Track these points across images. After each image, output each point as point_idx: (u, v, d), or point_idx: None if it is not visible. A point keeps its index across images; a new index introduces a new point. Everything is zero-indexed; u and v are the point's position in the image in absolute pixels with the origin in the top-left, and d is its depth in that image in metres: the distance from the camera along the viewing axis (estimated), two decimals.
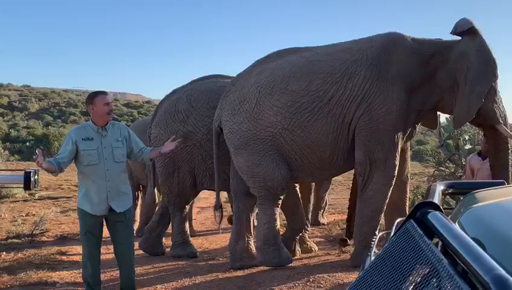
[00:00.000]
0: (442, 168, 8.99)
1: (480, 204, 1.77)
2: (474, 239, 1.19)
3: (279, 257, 5.58)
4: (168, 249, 6.76)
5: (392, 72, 5.33)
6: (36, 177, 2.13)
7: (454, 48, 5.38)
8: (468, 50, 5.27)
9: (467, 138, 8.65)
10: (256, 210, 6.05)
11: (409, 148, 6.18)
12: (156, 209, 7.18)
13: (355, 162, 5.45)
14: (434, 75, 5.43)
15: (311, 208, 7.23)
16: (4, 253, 6.67)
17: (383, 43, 5.47)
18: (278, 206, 5.75)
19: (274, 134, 5.53)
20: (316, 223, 8.81)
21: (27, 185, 2.08)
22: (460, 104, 5.32)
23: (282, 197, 5.78)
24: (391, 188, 5.43)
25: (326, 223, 8.89)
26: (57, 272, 5.75)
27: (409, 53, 5.40)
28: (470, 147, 8.52)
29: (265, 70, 5.74)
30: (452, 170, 8.65)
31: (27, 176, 2.09)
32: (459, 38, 5.42)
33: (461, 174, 8.36)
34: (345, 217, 9.33)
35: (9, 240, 7.69)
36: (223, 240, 7.61)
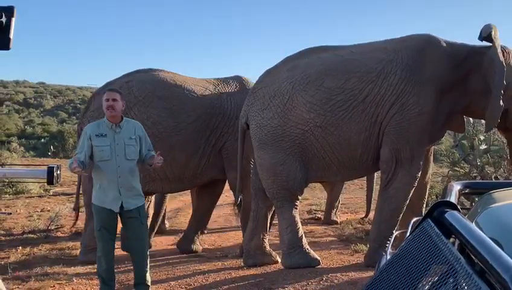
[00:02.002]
0: (457, 169, 8.92)
1: (497, 204, 1.77)
2: (491, 239, 1.19)
3: (305, 259, 5.53)
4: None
5: (426, 73, 5.35)
6: (59, 172, 2.15)
7: (487, 53, 5.40)
8: (494, 55, 5.28)
9: (482, 138, 8.57)
10: (273, 209, 6.02)
11: (432, 150, 6.15)
12: (86, 214, 6.56)
13: (380, 160, 5.44)
14: (466, 78, 5.44)
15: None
16: (20, 248, 6.75)
17: (417, 44, 5.50)
18: (296, 208, 5.71)
19: (305, 131, 5.48)
20: (329, 222, 8.80)
21: (50, 180, 2.11)
22: (489, 108, 5.32)
23: (300, 198, 5.78)
24: (413, 189, 5.43)
25: (339, 222, 8.87)
26: (72, 267, 5.82)
27: (443, 55, 5.42)
28: (485, 147, 8.44)
29: (298, 66, 5.69)
30: (467, 170, 8.58)
31: (50, 171, 2.11)
32: (490, 44, 5.43)
33: (476, 174, 8.30)
34: (358, 216, 9.36)
35: (25, 235, 7.79)
36: (235, 237, 7.62)
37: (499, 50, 5.22)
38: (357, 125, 5.38)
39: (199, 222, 6.92)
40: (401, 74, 5.34)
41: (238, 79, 6.92)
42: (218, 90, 6.63)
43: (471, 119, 7.82)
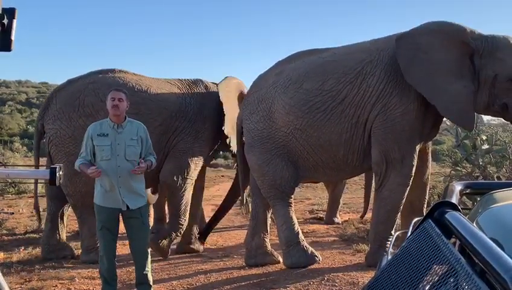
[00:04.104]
0: (459, 168, 8.89)
1: (498, 204, 1.77)
2: (492, 239, 1.19)
3: (305, 257, 5.56)
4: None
5: None
6: (61, 172, 2.16)
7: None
8: None
9: (484, 138, 8.55)
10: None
11: (430, 148, 6.11)
12: (46, 218, 6.69)
13: (372, 161, 5.43)
14: None
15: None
16: (23, 247, 6.77)
17: None
18: (290, 206, 5.77)
19: (287, 134, 5.57)
20: (331, 222, 8.81)
21: (53, 180, 2.11)
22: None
23: (292, 196, 5.84)
24: (408, 188, 5.39)
25: (341, 222, 8.87)
26: (74, 267, 5.83)
27: None
28: (488, 147, 8.42)
29: (283, 71, 5.81)
30: (469, 170, 8.56)
31: (53, 171, 2.11)
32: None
33: (478, 174, 8.28)
34: (359, 216, 9.34)
35: (28, 235, 7.82)
36: (237, 237, 7.64)
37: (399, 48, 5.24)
38: (337, 126, 5.39)
39: (191, 221, 6.91)
40: (379, 74, 5.31)
41: (200, 82, 6.98)
42: (181, 92, 6.69)
43: None
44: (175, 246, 6.89)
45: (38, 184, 7.61)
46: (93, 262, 5.72)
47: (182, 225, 6.46)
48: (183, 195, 6.47)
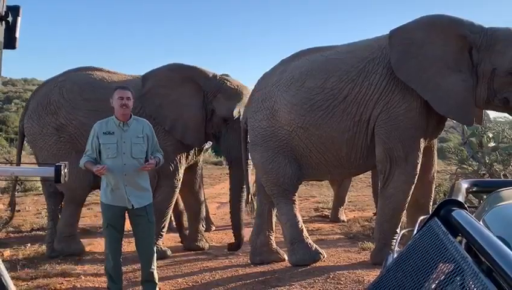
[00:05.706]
0: (465, 166, 8.86)
1: (505, 203, 1.76)
2: (499, 237, 1.19)
3: (309, 254, 5.56)
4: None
5: None
6: (66, 170, 2.15)
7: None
8: None
9: (490, 136, 8.50)
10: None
11: (435, 145, 6.08)
12: (47, 216, 6.86)
13: (376, 159, 5.41)
14: None
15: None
16: (29, 245, 6.82)
17: None
18: (294, 203, 5.76)
19: (290, 132, 5.57)
20: (336, 220, 8.79)
21: (58, 178, 2.11)
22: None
23: (296, 194, 5.83)
24: (413, 186, 5.36)
25: (346, 220, 8.86)
26: (80, 264, 5.86)
27: None
28: (494, 144, 8.37)
29: (287, 69, 5.80)
30: (475, 168, 8.52)
31: (57, 169, 2.11)
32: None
33: (484, 172, 8.24)
34: (365, 214, 9.33)
35: (34, 233, 7.87)
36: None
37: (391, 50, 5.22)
38: (339, 125, 5.36)
39: (195, 219, 6.93)
40: (382, 71, 5.27)
41: None
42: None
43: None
44: (181, 244, 6.93)
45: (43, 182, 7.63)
46: (63, 253, 6.05)
47: (162, 226, 6.23)
48: (164, 197, 6.24)
